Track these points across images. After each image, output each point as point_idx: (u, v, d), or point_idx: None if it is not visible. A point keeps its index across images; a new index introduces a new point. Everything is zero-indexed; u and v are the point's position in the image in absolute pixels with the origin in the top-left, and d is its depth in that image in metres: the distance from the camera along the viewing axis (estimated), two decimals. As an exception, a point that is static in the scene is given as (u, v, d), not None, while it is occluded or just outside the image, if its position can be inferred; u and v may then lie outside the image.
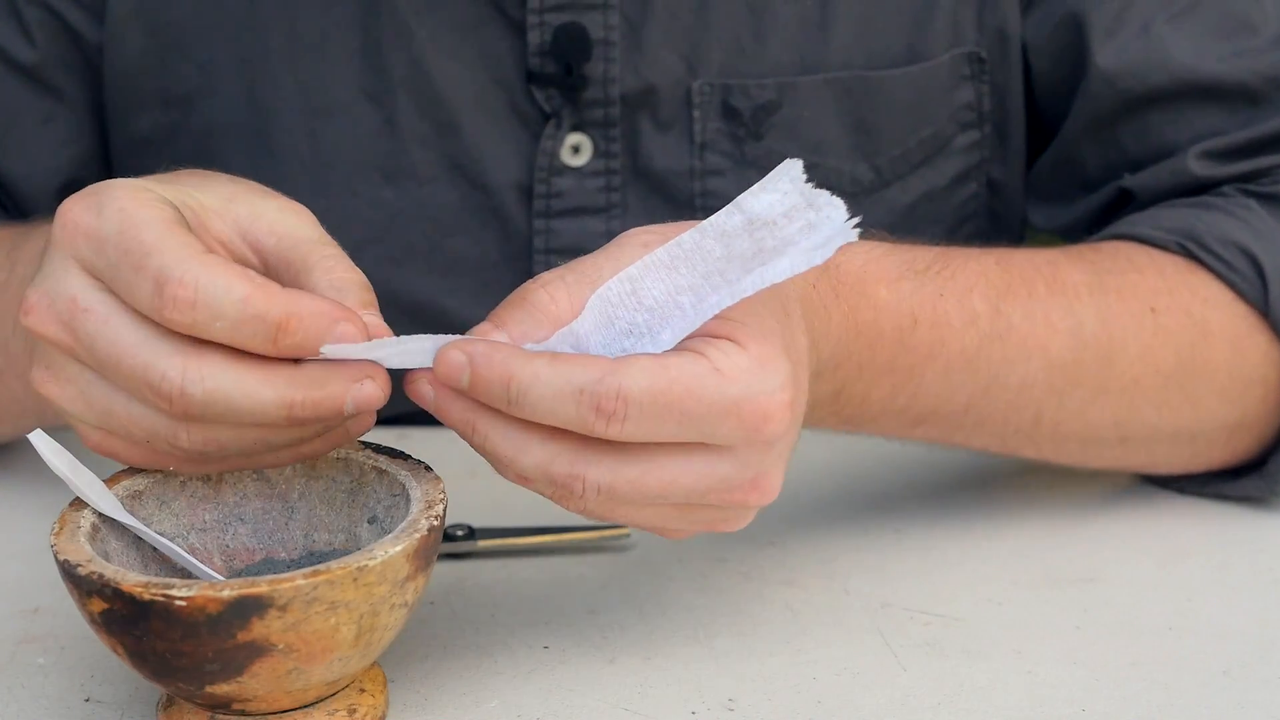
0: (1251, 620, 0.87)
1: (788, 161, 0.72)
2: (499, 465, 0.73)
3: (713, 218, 0.73)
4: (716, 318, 0.72)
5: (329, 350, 0.71)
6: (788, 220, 0.72)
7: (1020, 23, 1.06)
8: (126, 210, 0.71)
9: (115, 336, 0.71)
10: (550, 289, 0.74)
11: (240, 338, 0.70)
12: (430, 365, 0.72)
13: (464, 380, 0.71)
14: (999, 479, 1.01)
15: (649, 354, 0.71)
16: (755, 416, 0.71)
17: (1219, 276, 0.96)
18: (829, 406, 0.85)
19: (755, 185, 0.73)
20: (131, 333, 0.71)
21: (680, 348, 0.72)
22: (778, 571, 0.91)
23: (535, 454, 0.72)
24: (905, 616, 0.87)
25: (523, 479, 0.73)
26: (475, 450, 0.73)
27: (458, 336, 0.72)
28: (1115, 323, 0.92)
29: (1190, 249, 0.96)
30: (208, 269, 0.69)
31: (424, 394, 0.73)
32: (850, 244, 0.83)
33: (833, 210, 0.72)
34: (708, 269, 0.73)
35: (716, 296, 0.72)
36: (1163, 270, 0.96)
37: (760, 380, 0.71)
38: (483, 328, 0.73)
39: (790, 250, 0.71)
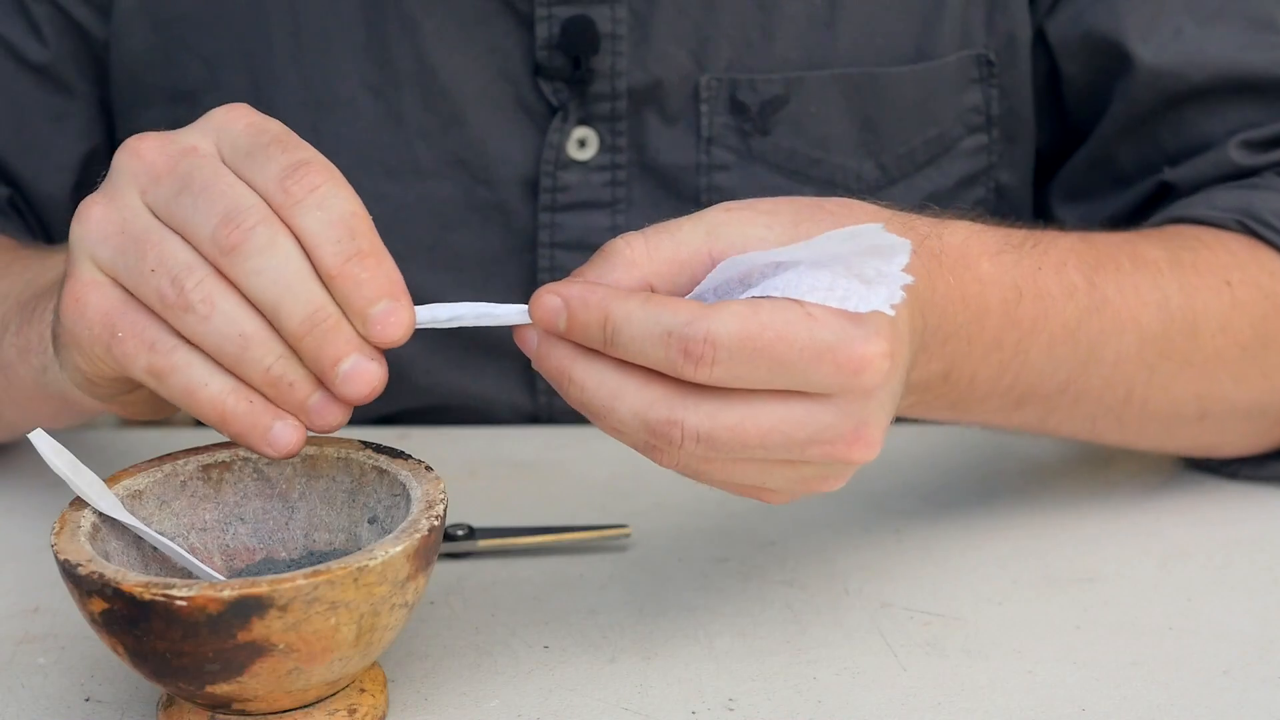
0: (1251, 620, 0.87)
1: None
2: (595, 415, 0.73)
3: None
4: None
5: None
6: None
7: (1029, 27, 1.06)
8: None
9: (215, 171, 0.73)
10: (627, 238, 0.74)
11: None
12: (488, 323, 0.74)
13: (560, 323, 0.72)
14: (999, 479, 1.01)
15: (742, 300, 0.71)
16: (851, 362, 0.70)
17: None
18: (938, 389, 0.84)
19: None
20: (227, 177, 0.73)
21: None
22: (778, 571, 0.91)
23: (632, 399, 0.71)
24: (905, 616, 0.87)
25: (618, 430, 0.73)
26: (571, 403, 0.73)
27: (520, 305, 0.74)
28: (1196, 296, 0.93)
29: (1251, 226, 0.98)
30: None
31: (529, 339, 0.74)
32: (948, 222, 0.84)
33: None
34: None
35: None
36: (1229, 247, 0.97)
37: (854, 325, 0.71)
38: (564, 281, 0.74)
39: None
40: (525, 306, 0.73)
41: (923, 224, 0.82)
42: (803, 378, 0.71)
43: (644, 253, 0.74)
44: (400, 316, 0.72)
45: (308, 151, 0.73)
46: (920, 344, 0.79)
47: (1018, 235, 0.88)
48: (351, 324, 0.72)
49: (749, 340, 0.70)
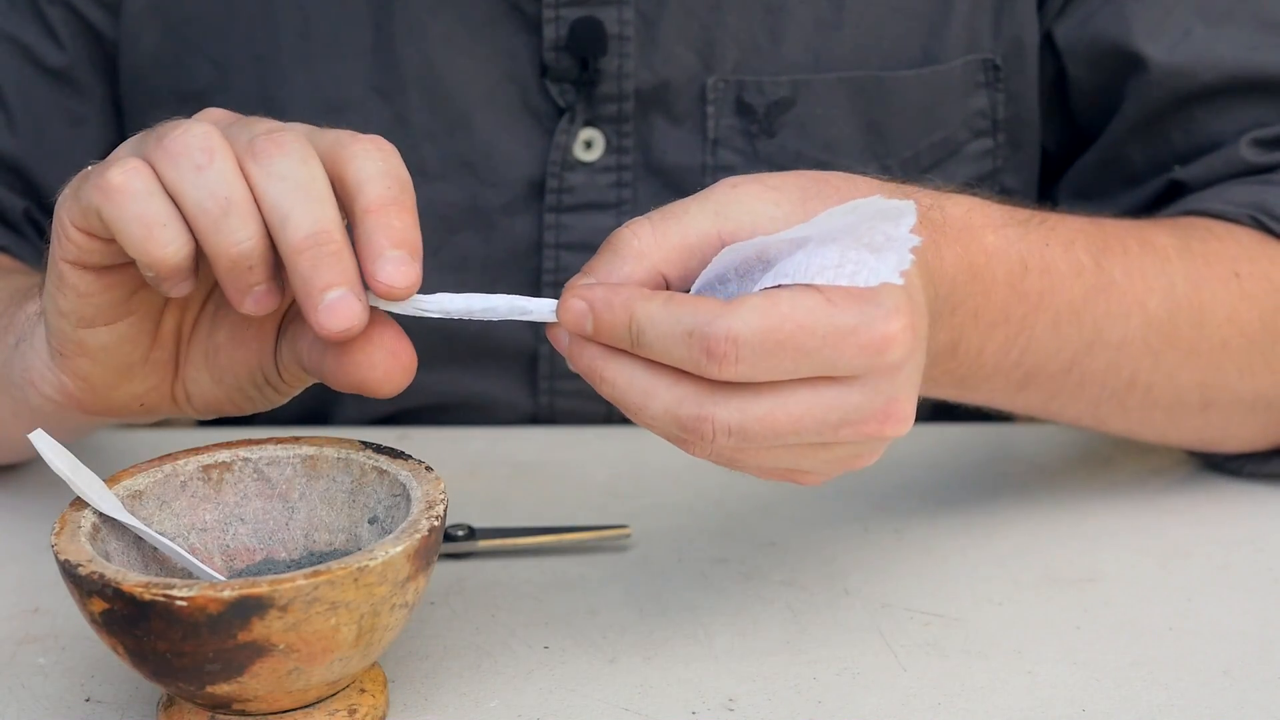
0: (1251, 620, 0.87)
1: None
2: (628, 411, 0.73)
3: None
4: None
5: (389, 304, 0.74)
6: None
7: (1036, 32, 1.06)
8: None
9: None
10: (633, 227, 0.74)
11: None
12: (519, 318, 0.75)
13: (587, 326, 0.72)
14: (999, 479, 1.02)
15: (759, 292, 0.71)
16: (874, 342, 0.70)
17: None
18: (946, 363, 0.84)
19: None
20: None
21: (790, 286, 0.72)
22: (778, 571, 0.91)
23: (663, 397, 0.72)
24: (905, 616, 0.87)
25: (650, 425, 0.73)
26: (605, 398, 0.74)
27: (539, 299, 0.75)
28: (1204, 285, 0.93)
29: (1263, 221, 0.98)
30: None
31: (560, 338, 0.74)
32: (949, 194, 0.84)
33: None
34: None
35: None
36: (1239, 240, 0.97)
37: (873, 305, 0.70)
38: (575, 279, 0.74)
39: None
40: (555, 302, 0.74)
41: (925, 196, 0.82)
42: (828, 363, 0.70)
43: (652, 241, 0.74)
44: (409, 271, 0.72)
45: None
46: (932, 313, 0.79)
47: (1023, 212, 0.88)
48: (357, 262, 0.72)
49: (770, 334, 0.69)
